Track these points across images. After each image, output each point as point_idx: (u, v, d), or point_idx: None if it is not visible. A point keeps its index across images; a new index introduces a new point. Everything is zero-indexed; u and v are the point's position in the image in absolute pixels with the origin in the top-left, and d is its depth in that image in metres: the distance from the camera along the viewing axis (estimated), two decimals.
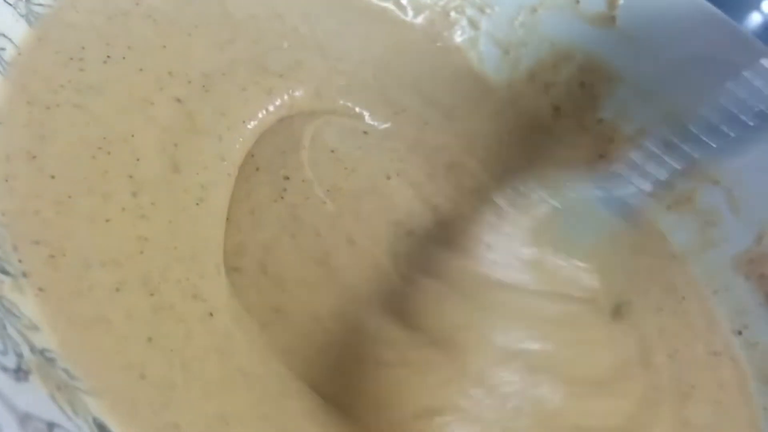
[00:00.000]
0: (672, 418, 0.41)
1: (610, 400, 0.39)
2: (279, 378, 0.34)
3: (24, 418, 0.22)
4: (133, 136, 0.37)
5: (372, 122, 0.47)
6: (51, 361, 0.27)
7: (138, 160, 0.36)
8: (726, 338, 0.48)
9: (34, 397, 0.24)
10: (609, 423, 0.38)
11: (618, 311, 0.45)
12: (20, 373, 0.24)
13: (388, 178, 0.44)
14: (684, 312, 0.48)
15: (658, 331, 0.46)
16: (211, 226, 0.37)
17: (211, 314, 0.33)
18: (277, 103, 0.43)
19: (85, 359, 0.29)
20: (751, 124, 0.46)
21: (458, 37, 0.58)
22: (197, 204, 0.37)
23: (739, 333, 0.48)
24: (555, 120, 0.56)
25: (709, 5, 0.51)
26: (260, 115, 0.42)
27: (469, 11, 0.57)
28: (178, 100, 0.40)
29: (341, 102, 0.47)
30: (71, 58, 0.38)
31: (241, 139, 0.41)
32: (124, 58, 0.40)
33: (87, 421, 0.26)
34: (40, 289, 0.30)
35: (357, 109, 0.47)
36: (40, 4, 0.39)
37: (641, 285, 0.48)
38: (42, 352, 0.27)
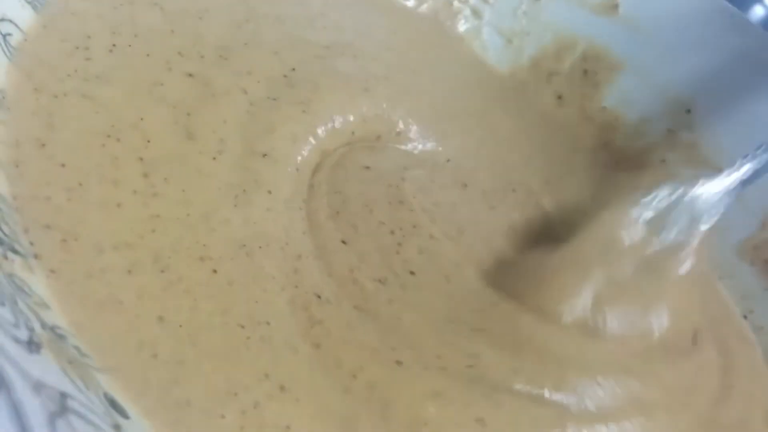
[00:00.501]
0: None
1: None
2: (283, 328, 0.34)
3: (37, 385, 0.22)
4: (142, 119, 0.37)
5: None
6: (61, 337, 0.27)
7: (149, 141, 0.36)
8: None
9: (46, 367, 0.24)
10: None
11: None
12: (32, 345, 0.24)
13: None
14: None
15: None
16: (227, 173, 0.37)
17: (214, 270, 0.34)
18: None
19: (97, 339, 0.29)
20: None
21: (461, 27, 0.58)
22: (214, 158, 0.37)
23: (745, 317, 0.48)
24: (558, 108, 0.56)
25: None
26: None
27: (472, 1, 0.57)
28: (190, 75, 0.40)
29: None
30: (77, 47, 0.38)
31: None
32: (130, 45, 0.40)
33: (98, 395, 0.26)
34: (52, 271, 0.30)
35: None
36: None
37: None
38: (53, 329, 0.27)
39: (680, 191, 0.42)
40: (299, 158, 0.40)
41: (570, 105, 0.56)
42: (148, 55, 0.40)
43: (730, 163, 0.45)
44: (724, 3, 0.51)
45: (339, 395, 0.32)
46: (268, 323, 0.33)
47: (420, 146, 0.46)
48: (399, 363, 0.34)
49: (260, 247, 0.35)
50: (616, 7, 0.54)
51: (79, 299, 0.30)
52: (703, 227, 0.42)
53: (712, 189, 0.42)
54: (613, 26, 0.54)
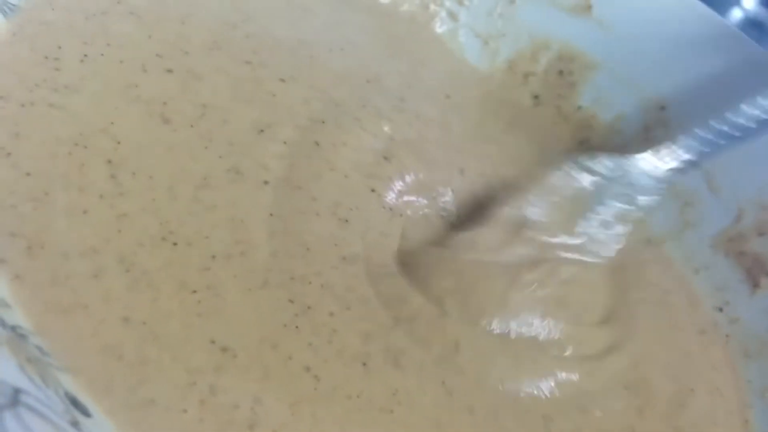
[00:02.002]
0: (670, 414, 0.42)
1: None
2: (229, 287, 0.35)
3: None
4: (112, 123, 0.37)
5: None
6: (22, 336, 0.28)
7: (119, 143, 0.37)
8: (712, 320, 0.49)
9: (2, 364, 0.25)
10: None
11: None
12: None
13: None
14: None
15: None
16: (205, 139, 0.39)
17: (175, 244, 0.35)
18: None
19: (61, 342, 0.30)
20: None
21: (438, 29, 0.58)
22: (191, 126, 0.39)
23: (720, 310, 0.49)
24: (535, 108, 0.57)
25: None
26: None
27: (448, 3, 0.58)
28: (170, 71, 0.41)
29: None
30: (46, 57, 0.38)
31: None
32: (102, 55, 0.40)
33: (57, 393, 0.27)
34: (16, 276, 0.31)
35: None
36: None
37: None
38: (14, 329, 0.28)
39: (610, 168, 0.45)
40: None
41: (547, 104, 0.57)
42: (121, 61, 0.41)
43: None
44: (695, 1, 0.51)
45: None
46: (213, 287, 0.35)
47: None
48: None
49: (215, 207, 0.37)
50: (589, 7, 0.54)
51: (43, 304, 0.30)
52: (637, 210, 0.44)
53: (646, 167, 0.45)
54: (587, 26, 0.54)
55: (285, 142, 0.41)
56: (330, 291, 0.37)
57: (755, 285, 0.47)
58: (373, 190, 0.43)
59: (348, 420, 0.33)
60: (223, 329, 0.33)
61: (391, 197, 0.43)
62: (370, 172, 0.43)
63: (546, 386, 0.39)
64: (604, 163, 0.46)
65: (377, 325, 0.37)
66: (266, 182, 0.39)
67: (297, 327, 0.35)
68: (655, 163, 0.45)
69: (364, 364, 0.35)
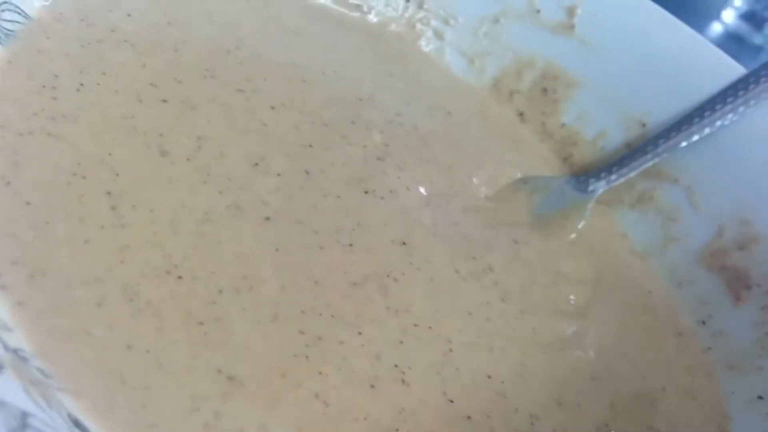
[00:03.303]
0: (642, 410, 0.43)
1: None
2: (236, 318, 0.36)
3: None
4: (110, 154, 0.38)
5: None
6: (24, 359, 0.29)
7: (117, 175, 0.37)
8: (691, 328, 0.50)
9: (8, 386, 0.25)
10: None
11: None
12: None
13: None
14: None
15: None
16: (203, 173, 0.40)
17: (180, 277, 0.35)
18: None
19: (64, 366, 0.30)
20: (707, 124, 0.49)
21: (425, 47, 0.60)
22: (188, 159, 0.40)
23: (703, 323, 0.50)
24: (520, 125, 0.58)
25: (664, 11, 0.53)
26: None
27: (434, 22, 0.59)
28: (164, 101, 0.42)
29: None
30: (44, 86, 0.39)
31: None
32: (98, 84, 0.41)
33: (61, 415, 0.27)
34: (19, 303, 0.31)
35: None
36: (11, 21, 0.40)
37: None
38: (15, 351, 0.28)
39: None
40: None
41: (531, 122, 0.58)
42: (116, 91, 0.41)
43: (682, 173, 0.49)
44: (674, 20, 0.53)
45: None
46: (220, 320, 0.35)
47: None
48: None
49: (219, 243, 0.38)
50: (572, 27, 0.55)
51: (46, 330, 0.31)
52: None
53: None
54: (570, 45, 0.56)
55: (279, 174, 0.42)
56: (341, 320, 0.38)
57: (737, 298, 0.48)
58: (366, 192, 0.44)
59: None
60: (231, 359, 0.34)
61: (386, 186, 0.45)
62: (361, 177, 0.45)
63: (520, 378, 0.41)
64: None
65: (386, 342, 0.38)
66: (267, 218, 0.40)
67: (307, 357, 0.35)
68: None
69: (373, 387, 0.36)
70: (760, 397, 0.44)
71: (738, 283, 0.49)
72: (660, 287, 0.52)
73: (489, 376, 0.39)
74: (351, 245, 0.41)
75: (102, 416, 0.30)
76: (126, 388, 0.31)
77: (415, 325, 0.39)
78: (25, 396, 0.26)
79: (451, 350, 0.40)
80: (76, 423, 0.28)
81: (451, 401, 0.38)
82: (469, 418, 0.37)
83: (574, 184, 0.52)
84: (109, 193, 0.37)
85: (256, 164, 0.42)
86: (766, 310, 0.47)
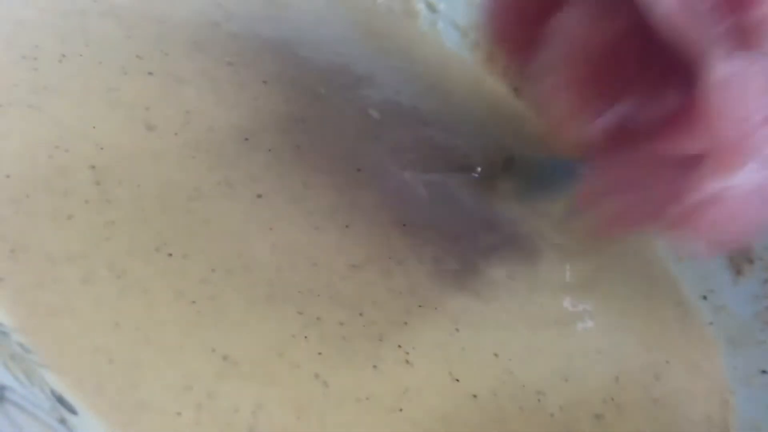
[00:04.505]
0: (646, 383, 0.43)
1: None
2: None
3: None
4: (94, 127, 0.37)
5: None
6: (4, 334, 0.28)
7: (102, 148, 0.36)
8: (693, 302, 0.49)
9: None
10: None
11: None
12: None
13: None
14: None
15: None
16: (191, 148, 0.38)
17: (170, 254, 0.34)
18: None
19: (47, 342, 0.29)
20: None
21: (417, 20, 0.58)
22: (176, 134, 0.39)
23: (705, 298, 0.49)
24: (515, 100, 0.57)
25: None
26: None
27: None
28: (150, 73, 0.40)
29: None
30: (24, 57, 0.38)
31: None
32: (81, 55, 0.40)
33: (43, 391, 0.26)
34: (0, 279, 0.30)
35: None
36: None
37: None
38: None
39: None
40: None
41: (526, 97, 0.57)
42: (100, 62, 0.40)
43: None
44: None
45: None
46: (214, 299, 0.34)
47: None
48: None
49: (210, 220, 0.36)
50: None
51: (28, 306, 0.30)
52: None
53: None
54: None
55: (270, 150, 0.41)
56: (340, 301, 0.36)
57: (738, 272, 0.48)
58: (359, 170, 0.43)
59: (356, 422, 0.33)
60: (225, 338, 0.33)
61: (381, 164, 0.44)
62: (355, 152, 0.44)
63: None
64: None
65: (390, 323, 0.37)
66: (259, 196, 0.39)
67: (306, 337, 0.34)
68: None
69: (375, 367, 0.35)
70: (763, 372, 0.44)
71: (739, 256, 0.48)
72: (661, 260, 0.51)
73: (496, 354, 0.39)
74: (347, 227, 0.40)
75: (89, 394, 0.29)
76: (114, 366, 0.30)
77: (419, 306, 0.38)
78: (4, 370, 0.25)
79: (457, 330, 0.39)
80: (60, 400, 0.27)
81: (457, 380, 0.37)
82: (475, 396, 0.37)
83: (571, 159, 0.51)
84: (93, 167, 0.35)
85: (246, 139, 0.41)
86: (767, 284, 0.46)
